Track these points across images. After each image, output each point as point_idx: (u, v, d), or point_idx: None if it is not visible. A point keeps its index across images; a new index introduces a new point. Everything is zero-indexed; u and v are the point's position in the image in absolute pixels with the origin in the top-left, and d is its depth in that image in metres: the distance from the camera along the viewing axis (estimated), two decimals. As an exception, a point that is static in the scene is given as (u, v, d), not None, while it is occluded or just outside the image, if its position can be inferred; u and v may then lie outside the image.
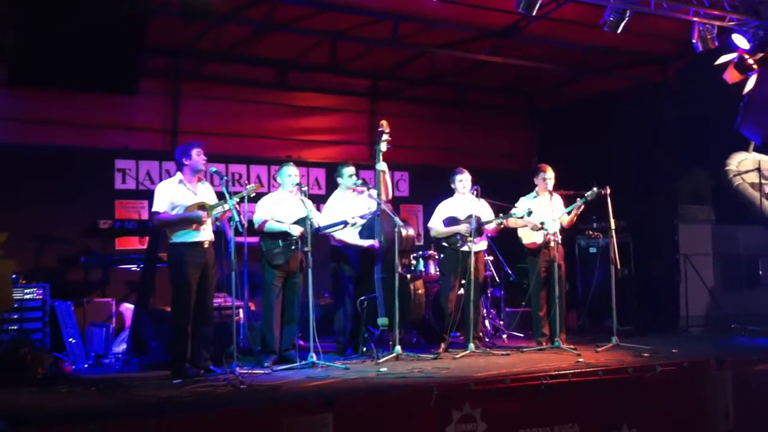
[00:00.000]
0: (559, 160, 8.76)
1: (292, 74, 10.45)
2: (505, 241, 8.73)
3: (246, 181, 9.68)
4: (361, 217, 7.60)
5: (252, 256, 7.63)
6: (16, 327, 7.03)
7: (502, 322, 9.20)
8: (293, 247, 7.21)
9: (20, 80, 7.23)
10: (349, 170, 7.98)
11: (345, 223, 7.51)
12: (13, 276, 7.08)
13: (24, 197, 8.33)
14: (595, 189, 7.97)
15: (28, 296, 7.15)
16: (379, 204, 7.59)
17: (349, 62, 10.00)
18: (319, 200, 8.53)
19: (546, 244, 8.01)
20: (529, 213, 7.85)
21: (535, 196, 8.26)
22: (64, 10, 6.13)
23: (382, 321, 7.49)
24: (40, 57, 6.35)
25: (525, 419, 6.03)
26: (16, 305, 6.99)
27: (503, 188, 8.64)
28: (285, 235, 7.22)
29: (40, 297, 7.22)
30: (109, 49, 6.41)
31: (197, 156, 6.78)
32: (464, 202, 8.04)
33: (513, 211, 7.98)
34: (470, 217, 7.79)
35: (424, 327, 8.57)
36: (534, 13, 7.59)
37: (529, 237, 8.15)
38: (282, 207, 7.38)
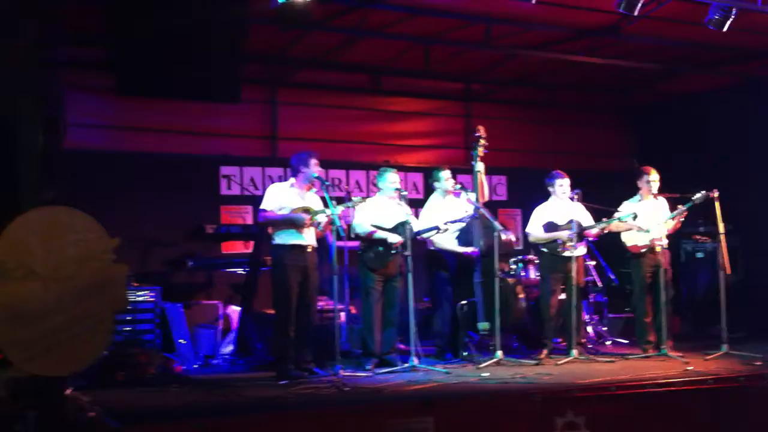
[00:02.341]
0: (657, 160, 8.52)
1: (385, 79, 10.55)
2: (608, 245, 8.56)
3: (346, 186, 9.83)
4: (452, 222, 7.59)
5: (352, 259, 7.74)
6: (129, 328, 7.26)
7: (605, 329, 9.01)
8: (393, 252, 7.27)
9: (127, 90, 7.50)
10: (446, 174, 7.99)
11: (437, 229, 7.53)
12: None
13: (134, 203, 8.65)
14: (703, 192, 7.70)
15: (140, 298, 7.37)
16: (477, 208, 7.57)
17: (442, 66, 10.01)
18: (417, 204, 8.57)
19: (651, 248, 7.80)
20: (635, 217, 7.67)
21: (640, 200, 8.06)
22: (168, 20, 6.34)
23: (483, 325, 7.46)
24: (145, 67, 6.58)
25: (631, 427, 5.89)
26: (129, 307, 7.25)
27: (601, 189, 8.47)
28: (385, 241, 7.29)
29: (152, 299, 7.42)
30: (211, 59, 6.60)
31: (314, 166, 6.97)
32: (562, 207, 7.92)
33: (617, 214, 7.81)
34: (571, 222, 7.67)
35: (524, 332, 8.48)
36: (636, 13, 7.44)
37: (633, 241, 7.94)
38: (382, 212, 7.45)
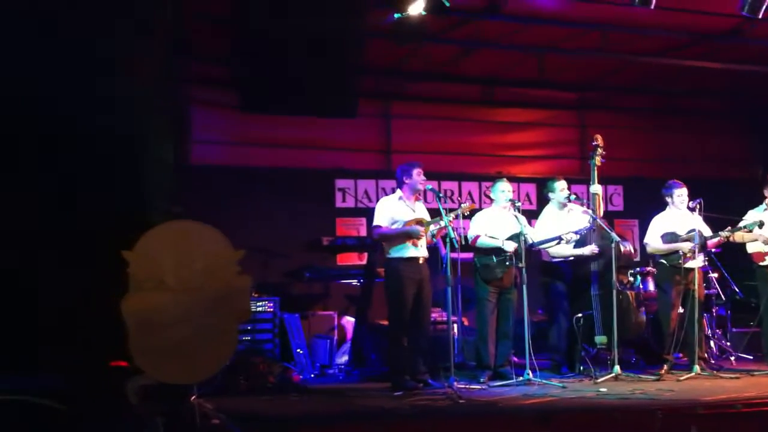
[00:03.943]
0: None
1: (498, 90, 10.53)
2: (733, 257, 8.24)
3: (459, 198, 9.83)
4: (576, 232, 7.48)
5: (465, 271, 7.73)
6: (248, 338, 7.47)
7: (729, 344, 8.67)
8: (507, 263, 7.22)
9: (250, 106, 7.75)
10: (561, 185, 7.88)
11: (559, 239, 7.42)
12: (248, 290, 7.60)
13: (254, 215, 8.95)
14: (835, 200, 7.36)
15: (260, 309, 7.56)
16: (594, 219, 7.43)
17: (556, 75, 9.91)
18: (530, 215, 8.48)
19: (779, 259, 7.49)
20: (761, 225, 7.37)
21: (766, 209, 7.73)
22: (289, 39, 6.53)
23: (600, 339, 7.31)
24: (267, 84, 6.80)
25: (759, 447, 5.66)
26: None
27: (725, 198, 8.18)
28: (499, 251, 7.25)
29: (271, 309, 7.61)
30: (330, 75, 6.76)
31: (417, 176, 7.01)
32: (681, 217, 7.68)
33: (742, 223, 7.52)
34: (692, 231, 7.43)
35: (642, 346, 8.26)
36: (759, 16, 7.19)
37: (759, 252, 7.64)
38: (496, 223, 7.42)
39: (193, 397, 5.63)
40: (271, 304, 7.64)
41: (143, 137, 5.93)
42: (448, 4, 7.07)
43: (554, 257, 7.72)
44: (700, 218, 7.63)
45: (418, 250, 6.92)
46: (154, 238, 5.21)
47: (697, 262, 7.54)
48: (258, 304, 7.58)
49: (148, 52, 5.99)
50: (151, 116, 5.93)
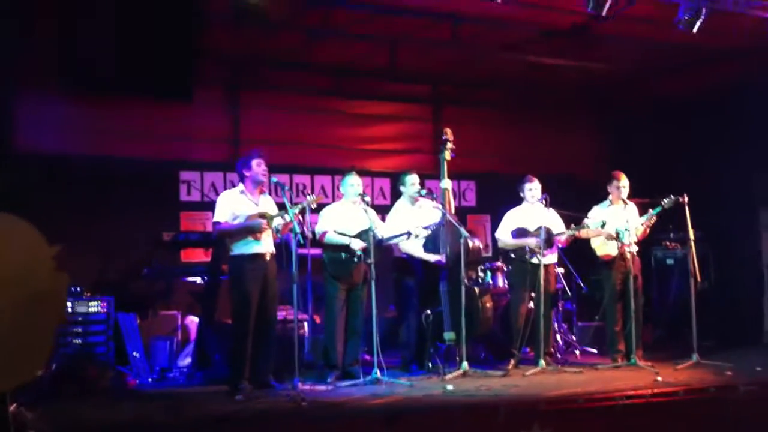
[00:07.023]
0: (633, 165, 8.42)
1: (352, 82, 10.33)
2: (577, 252, 8.40)
3: (309, 192, 9.57)
4: (426, 227, 7.39)
5: (315, 268, 7.51)
6: (80, 340, 7.01)
7: (574, 338, 8.85)
8: (356, 259, 7.05)
9: (78, 84, 7.26)
10: (412, 179, 7.79)
11: (408, 234, 7.33)
12: (77, 289, 7.09)
13: (88, 209, 8.29)
14: (671, 197, 7.60)
15: (92, 309, 7.12)
16: (444, 214, 7.37)
17: (409, 68, 9.81)
18: (384, 210, 8.36)
19: (621, 255, 7.65)
20: (603, 225, 7.53)
21: (609, 205, 7.91)
22: (119, 18, 6.18)
23: (449, 335, 7.27)
24: (95, 63, 6.41)
25: (599, 441, 5.72)
26: (80, 318, 7.00)
27: (575, 194, 8.34)
28: (348, 247, 7.07)
29: (105, 310, 7.18)
30: (162, 54, 6.44)
31: (257, 167, 6.69)
32: (533, 212, 7.76)
33: (586, 222, 7.64)
34: (540, 228, 7.50)
35: (492, 342, 8.29)
36: (604, 13, 7.31)
37: (603, 248, 7.80)
38: (345, 217, 7.24)
39: (12, 407, 5.16)
40: (105, 304, 7.21)
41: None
42: None
43: (406, 253, 7.61)
44: (556, 214, 7.72)
45: (263, 246, 6.60)
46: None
47: (550, 258, 7.63)
48: (90, 304, 7.15)
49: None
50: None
